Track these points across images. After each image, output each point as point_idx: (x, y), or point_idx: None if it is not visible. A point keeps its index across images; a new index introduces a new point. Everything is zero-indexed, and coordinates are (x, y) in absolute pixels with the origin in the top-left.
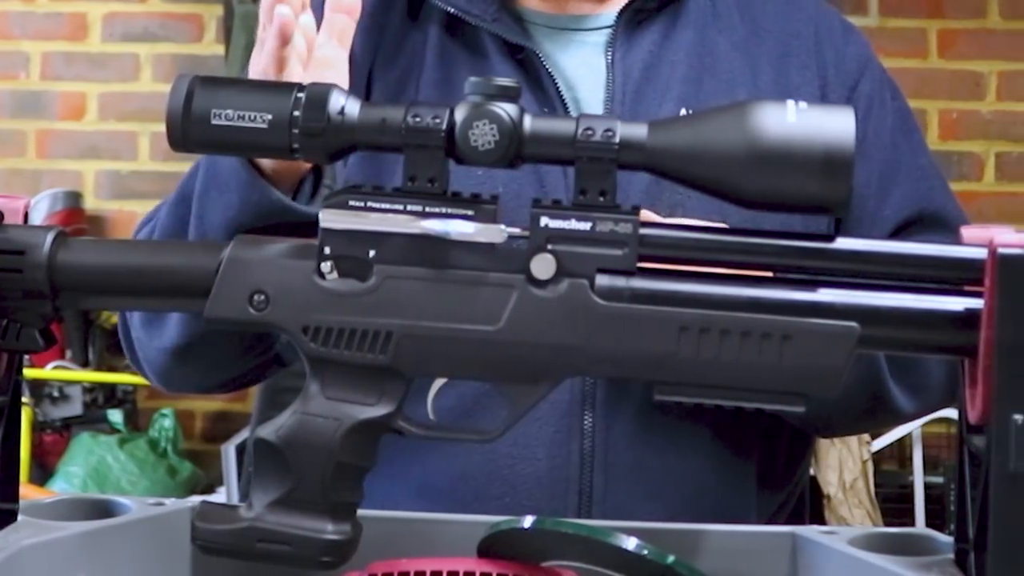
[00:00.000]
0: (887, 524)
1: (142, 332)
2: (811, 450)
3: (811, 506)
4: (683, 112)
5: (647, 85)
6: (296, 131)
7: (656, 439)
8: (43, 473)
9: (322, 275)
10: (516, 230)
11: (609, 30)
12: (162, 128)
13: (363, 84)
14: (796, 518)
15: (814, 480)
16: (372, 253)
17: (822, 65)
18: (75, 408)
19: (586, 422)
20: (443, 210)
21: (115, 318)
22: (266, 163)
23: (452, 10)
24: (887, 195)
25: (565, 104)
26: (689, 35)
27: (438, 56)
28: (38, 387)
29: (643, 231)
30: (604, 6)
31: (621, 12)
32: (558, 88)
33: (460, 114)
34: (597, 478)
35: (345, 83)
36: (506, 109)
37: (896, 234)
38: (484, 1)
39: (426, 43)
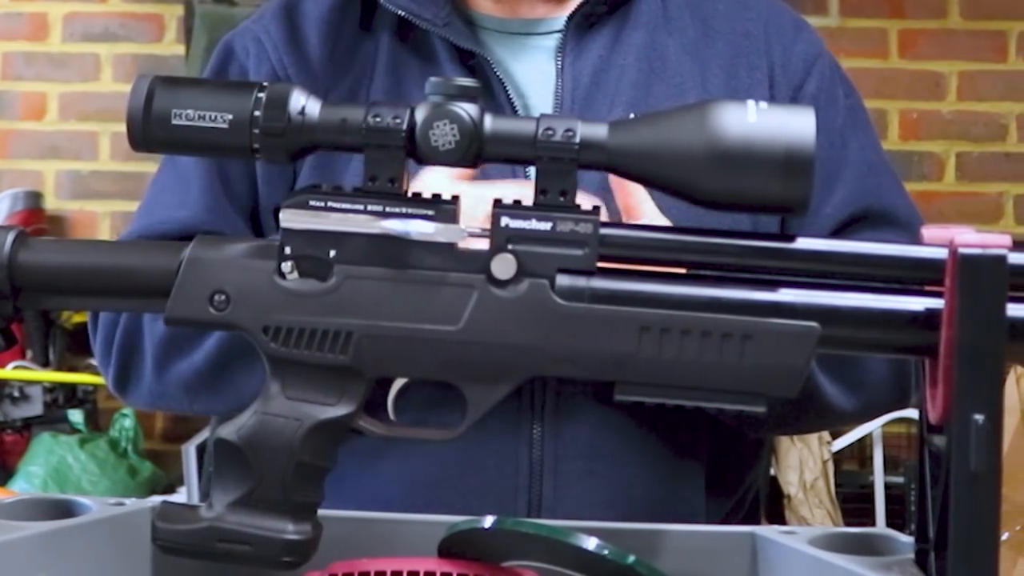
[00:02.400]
0: (847, 524)
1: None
2: (762, 457)
3: (771, 506)
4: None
5: (596, 91)
6: (257, 131)
7: (606, 448)
8: (3, 473)
9: (282, 275)
10: (476, 230)
11: (560, 34)
12: (123, 128)
13: (321, 96)
14: (749, 522)
15: (774, 480)
16: (332, 253)
17: (770, 64)
18: (35, 408)
19: (535, 431)
20: (403, 210)
21: (76, 317)
22: None
23: (403, 13)
24: (830, 193)
25: (515, 111)
26: (639, 38)
27: (389, 63)
28: None
29: (604, 231)
30: (556, 10)
31: (571, 16)
32: (508, 94)
33: (421, 114)
34: (547, 486)
35: None
36: (467, 109)
37: (839, 231)
38: (435, 5)
39: (377, 50)
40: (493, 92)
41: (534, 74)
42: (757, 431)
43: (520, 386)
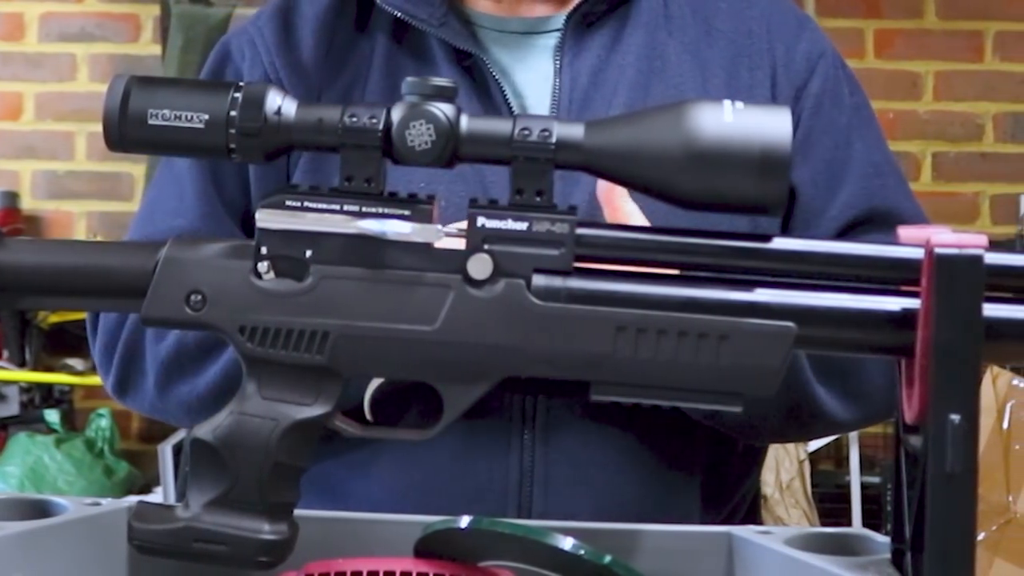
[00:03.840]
0: (824, 524)
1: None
2: (758, 464)
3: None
4: None
5: (594, 91)
6: (233, 131)
7: (598, 455)
8: None
9: (259, 275)
10: (452, 230)
11: (559, 33)
12: (99, 128)
13: (315, 96)
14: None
15: None
16: (309, 253)
17: (773, 64)
18: (12, 408)
19: (525, 437)
20: (380, 210)
21: (53, 318)
22: None
23: (399, 14)
24: (834, 195)
25: (512, 111)
26: (639, 38)
27: (384, 64)
28: None
29: (580, 231)
30: (556, 9)
31: (570, 15)
32: (505, 95)
33: (397, 114)
34: (536, 493)
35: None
36: (443, 109)
37: (845, 233)
38: (431, 5)
39: (373, 51)
40: (490, 93)
41: (532, 74)
42: (757, 440)
43: (512, 394)
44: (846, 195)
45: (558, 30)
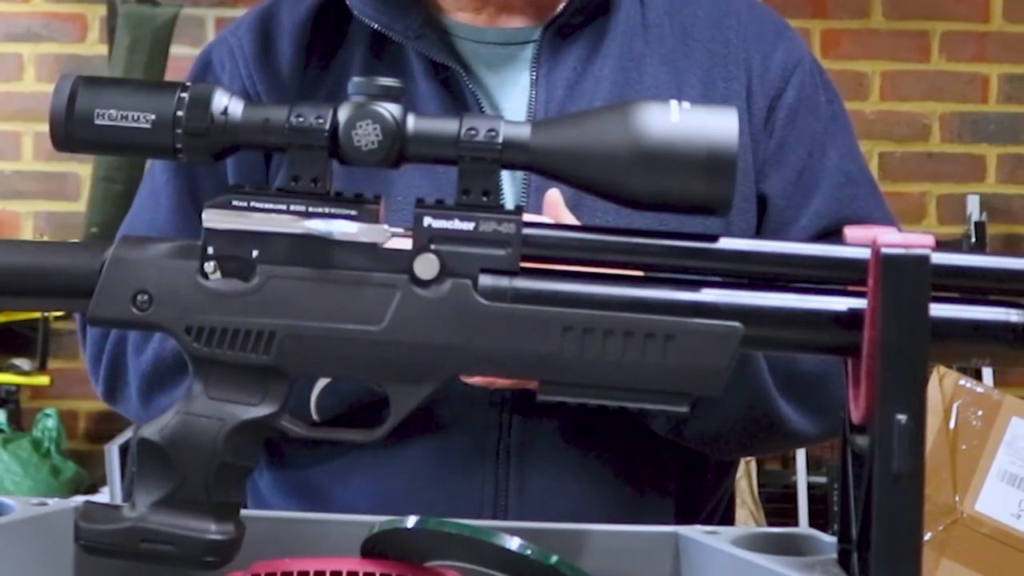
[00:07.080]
0: (770, 524)
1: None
2: (732, 474)
3: None
4: None
5: (570, 103)
6: (179, 131)
7: (572, 467)
8: None
9: (205, 275)
10: (399, 230)
11: (536, 44)
12: (46, 128)
13: None
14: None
15: None
16: (255, 253)
17: (748, 73)
18: None
19: (501, 446)
20: (326, 210)
21: (0, 318)
22: None
23: (376, 26)
24: (806, 204)
25: None
26: (616, 49)
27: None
28: None
29: (526, 231)
30: (535, 20)
31: (546, 27)
32: (481, 107)
33: (343, 114)
34: (512, 501)
35: None
36: (389, 109)
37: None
38: (407, 17)
39: (352, 64)
40: (467, 105)
41: (509, 86)
42: (722, 455)
43: (488, 404)
44: (817, 205)
45: (536, 41)
